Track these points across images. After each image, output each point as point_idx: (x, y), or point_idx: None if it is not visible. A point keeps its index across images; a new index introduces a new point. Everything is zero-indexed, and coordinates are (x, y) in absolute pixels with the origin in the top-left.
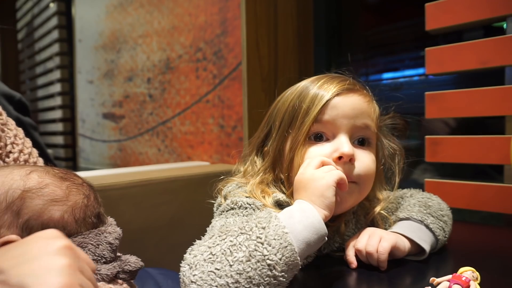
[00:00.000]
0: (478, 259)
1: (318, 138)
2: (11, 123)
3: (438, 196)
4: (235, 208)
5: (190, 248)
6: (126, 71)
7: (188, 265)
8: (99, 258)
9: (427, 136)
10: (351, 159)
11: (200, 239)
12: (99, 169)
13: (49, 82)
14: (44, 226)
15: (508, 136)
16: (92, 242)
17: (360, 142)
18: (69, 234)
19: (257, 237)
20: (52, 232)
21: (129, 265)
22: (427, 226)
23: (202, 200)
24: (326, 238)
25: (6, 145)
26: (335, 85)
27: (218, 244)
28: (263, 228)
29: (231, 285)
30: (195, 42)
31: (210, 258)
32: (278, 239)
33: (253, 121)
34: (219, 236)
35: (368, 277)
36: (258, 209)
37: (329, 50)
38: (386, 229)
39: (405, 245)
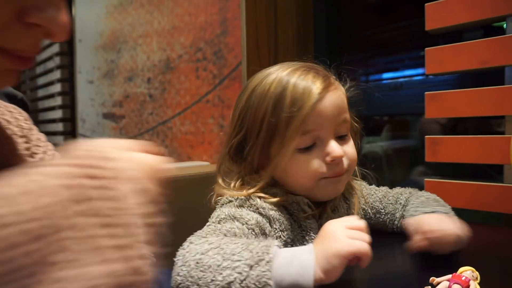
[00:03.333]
0: (478, 259)
1: (305, 145)
2: (35, 128)
3: (437, 195)
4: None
5: (192, 237)
6: (126, 71)
7: (182, 256)
8: None
9: (427, 136)
10: (342, 158)
11: None
12: None
13: (49, 82)
14: None
15: (508, 136)
16: None
17: (341, 133)
18: None
19: (239, 272)
20: None
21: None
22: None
23: (202, 200)
24: None
25: (31, 146)
26: (316, 88)
27: (208, 255)
28: (251, 266)
29: None
30: (195, 42)
31: (198, 264)
32: (257, 285)
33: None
34: (214, 247)
35: (368, 275)
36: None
37: (329, 50)
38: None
39: None
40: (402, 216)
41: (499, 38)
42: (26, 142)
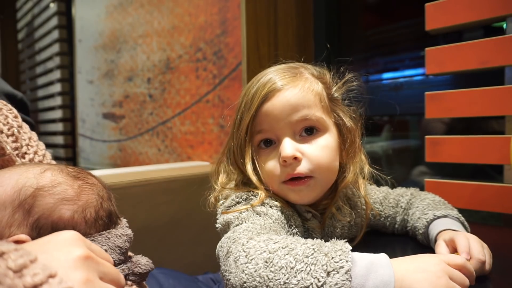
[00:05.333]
0: None
1: (268, 143)
2: (25, 126)
3: (444, 197)
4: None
5: (241, 233)
6: (126, 71)
7: (245, 251)
8: None
9: (427, 136)
10: (296, 158)
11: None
12: (99, 169)
13: (49, 82)
14: (54, 225)
15: (508, 136)
16: (101, 245)
17: (308, 131)
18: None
19: (315, 277)
20: (70, 237)
21: (139, 267)
22: (462, 223)
23: (203, 200)
24: None
25: (22, 146)
26: (261, 89)
27: (278, 255)
28: (328, 273)
29: None
30: (195, 42)
31: (267, 263)
32: None
33: None
34: (283, 247)
35: None
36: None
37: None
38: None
39: None
40: (404, 220)
41: (499, 38)
42: (15, 141)
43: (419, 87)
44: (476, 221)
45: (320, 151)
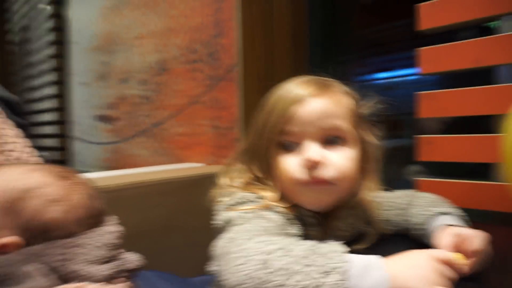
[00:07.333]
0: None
1: (288, 147)
2: (10, 123)
3: (439, 196)
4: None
5: (238, 233)
6: (121, 72)
7: (242, 252)
8: (99, 258)
9: (420, 136)
10: (319, 163)
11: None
12: (93, 171)
13: (43, 84)
14: (46, 226)
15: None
16: (92, 242)
17: (332, 141)
18: (70, 234)
19: (314, 278)
20: None
21: (130, 263)
22: (463, 220)
23: (197, 202)
24: None
25: (7, 143)
26: (295, 93)
27: (276, 256)
28: (325, 273)
29: None
30: (190, 43)
31: (264, 264)
32: None
33: (248, 122)
34: (280, 248)
35: None
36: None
37: (325, 50)
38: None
39: None
40: (405, 220)
41: (492, 37)
42: None
43: (413, 86)
44: (471, 219)
45: (345, 161)
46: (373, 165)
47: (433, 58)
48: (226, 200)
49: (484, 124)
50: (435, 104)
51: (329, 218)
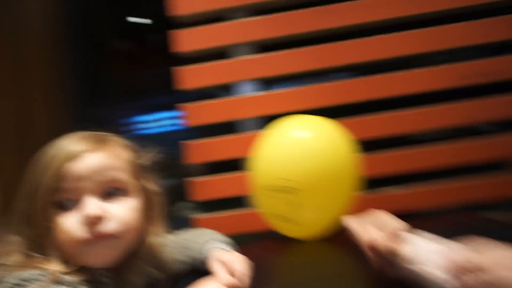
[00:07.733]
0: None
1: (65, 206)
2: None
3: (212, 228)
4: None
5: None
6: None
7: None
8: None
9: (191, 178)
10: (100, 217)
11: None
12: None
13: None
14: None
15: (249, 172)
16: None
17: (113, 194)
18: None
19: None
20: None
21: None
22: (228, 243)
23: None
24: None
25: None
26: (66, 150)
27: None
28: None
29: None
30: None
31: None
32: None
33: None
34: None
35: None
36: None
37: (83, 99)
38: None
39: None
40: (188, 256)
41: (239, 97)
42: None
43: (176, 135)
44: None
45: (127, 211)
46: (157, 211)
47: (196, 113)
48: (4, 286)
49: (240, 164)
50: (200, 151)
51: (122, 271)
